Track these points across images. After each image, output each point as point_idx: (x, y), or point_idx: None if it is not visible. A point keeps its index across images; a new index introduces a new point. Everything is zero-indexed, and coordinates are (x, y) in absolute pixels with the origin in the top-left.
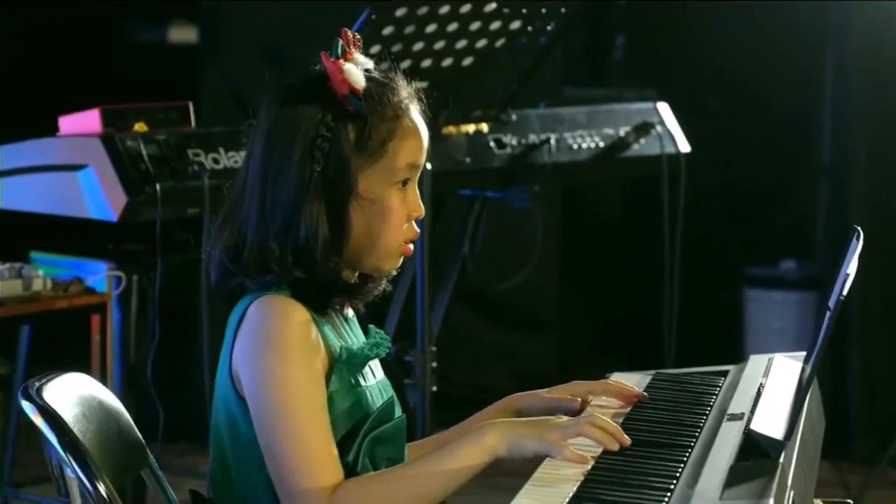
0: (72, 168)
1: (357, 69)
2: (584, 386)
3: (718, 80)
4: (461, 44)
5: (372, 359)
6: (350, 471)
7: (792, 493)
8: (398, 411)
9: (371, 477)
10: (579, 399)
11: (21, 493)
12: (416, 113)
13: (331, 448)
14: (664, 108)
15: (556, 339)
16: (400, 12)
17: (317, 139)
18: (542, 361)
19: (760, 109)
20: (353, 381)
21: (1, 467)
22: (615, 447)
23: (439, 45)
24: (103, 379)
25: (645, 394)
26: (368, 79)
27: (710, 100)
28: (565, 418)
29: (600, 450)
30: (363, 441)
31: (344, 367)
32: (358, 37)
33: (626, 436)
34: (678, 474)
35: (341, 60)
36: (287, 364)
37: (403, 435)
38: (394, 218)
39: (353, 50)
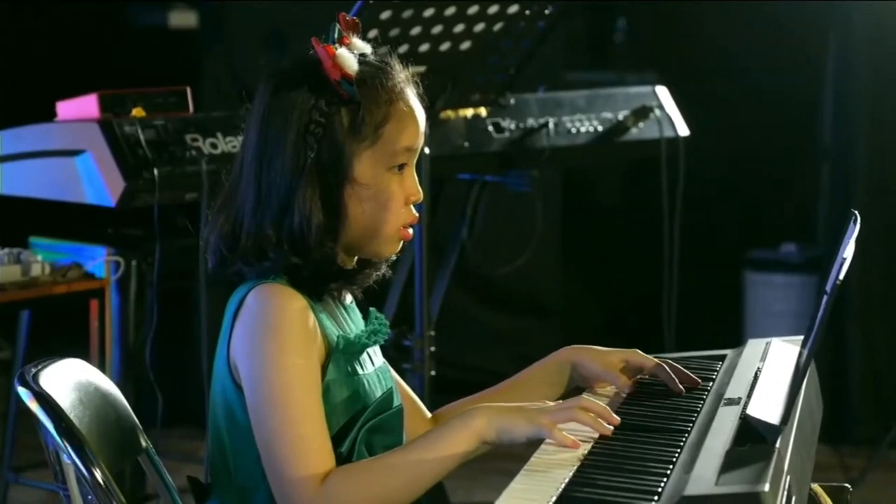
0: (70, 153)
1: (350, 54)
2: (642, 358)
3: (720, 64)
4: (459, 28)
5: (370, 346)
6: (346, 460)
7: (788, 477)
8: (396, 400)
9: (360, 465)
10: (631, 382)
11: (21, 477)
12: (411, 97)
13: (323, 436)
14: (663, 92)
15: (556, 322)
16: None
17: (310, 125)
18: (542, 345)
19: (762, 93)
20: (350, 369)
21: (1, 452)
22: (608, 432)
23: (437, 29)
24: (102, 364)
25: (699, 380)
26: (363, 63)
27: (711, 83)
28: (551, 404)
29: (596, 434)
30: (360, 430)
31: (341, 356)
32: (357, 21)
33: (614, 416)
34: (675, 459)
35: (335, 45)
36: (283, 352)
37: (401, 424)
38: (391, 202)
39: (351, 34)
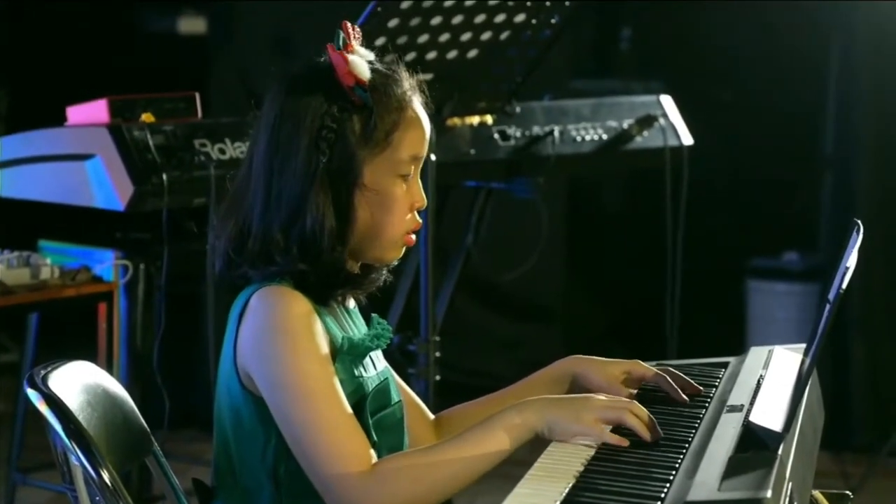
0: (79, 157)
1: (362, 61)
2: (643, 369)
3: (724, 73)
4: (466, 36)
5: (373, 350)
6: None
7: (790, 484)
8: (395, 396)
9: (405, 456)
10: (633, 391)
11: (29, 478)
12: (418, 104)
13: (356, 429)
14: (667, 101)
15: (559, 328)
16: (405, 5)
17: (322, 130)
18: (545, 351)
19: (765, 102)
20: (354, 371)
21: (9, 453)
22: (650, 439)
23: (444, 37)
24: (110, 367)
25: (700, 387)
26: (372, 70)
27: (715, 92)
28: (604, 397)
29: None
30: (367, 428)
31: (346, 357)
32: (357, 29)
33: (659, 429)
34: (677, 465)
35: (346, 52)
36: (298, 352)
37: (403, 422)
38: (397, 208)
39: (354, 42)
